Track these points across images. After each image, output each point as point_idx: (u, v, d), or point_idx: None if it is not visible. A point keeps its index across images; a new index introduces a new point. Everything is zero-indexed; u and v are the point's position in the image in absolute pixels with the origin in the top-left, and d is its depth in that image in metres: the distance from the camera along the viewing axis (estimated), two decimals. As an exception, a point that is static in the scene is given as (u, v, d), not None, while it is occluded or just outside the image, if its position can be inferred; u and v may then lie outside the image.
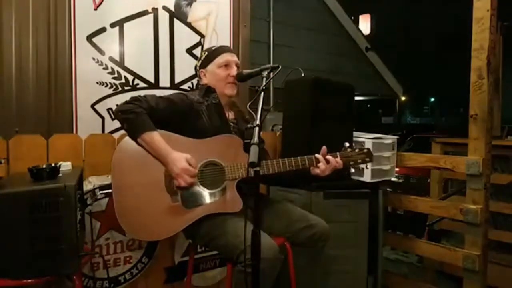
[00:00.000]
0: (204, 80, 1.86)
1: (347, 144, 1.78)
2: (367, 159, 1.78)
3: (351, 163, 1.76)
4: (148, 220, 1.61)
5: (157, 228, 1.63)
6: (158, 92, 2.37)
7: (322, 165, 1.69)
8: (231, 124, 1.86)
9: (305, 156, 1.71)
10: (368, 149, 1.80)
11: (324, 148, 1.72)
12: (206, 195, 1.65)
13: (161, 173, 1.62)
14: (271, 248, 1.49)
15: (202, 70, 1.87)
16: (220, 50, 1.89)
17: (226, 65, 1.84)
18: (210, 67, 1.85)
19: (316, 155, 1.71)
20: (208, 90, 1.83)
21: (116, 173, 1.62)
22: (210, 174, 1.66)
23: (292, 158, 1.70)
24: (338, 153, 1.75)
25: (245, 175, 1.62)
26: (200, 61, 1.90)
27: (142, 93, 2.31)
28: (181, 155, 1.59)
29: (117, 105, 2.22)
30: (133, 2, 2.31)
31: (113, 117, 2.26)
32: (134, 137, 1.60)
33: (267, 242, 1.49)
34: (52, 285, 1.74)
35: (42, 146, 1.86)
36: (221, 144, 1.70)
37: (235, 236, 1.53)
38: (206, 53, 1.90)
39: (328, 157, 1.71)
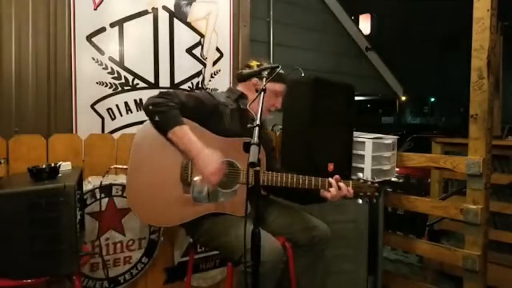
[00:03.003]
0: (250, 90, 1.84)
1: (360, 175, 1.81)
2: (376, 194, 1.80)
3: (361, 194, 1.78)
4: (156, 205, 1.63)
5: (163, 215, 1.65)
6: (157, 92, 2.39)
7: (333, 190, 1.71)
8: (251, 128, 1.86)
9: (319, 178, 1.72)
10: (380, 183, 1.82)
11: (337, 176, 1.73)
12: (217, 193, 1.66)
13: (178, 162, 1.64)
14: (274, 250, 1.49)
15: (257, 81, 1.81)
16: (282, 78, 1.84)
17: (277, 96, 1.85)
18: (267, 86, 1.76)
19: (330, 179, 1.72)
20: (241, 96, 1.84)
21: (135, 153, 1.64)
22: (227, 174, 1.66)
23: (307, 177, 1.72)
24: (350, 182, 1.76)
25: (252, 180, 1.61)
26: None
27: (142, 93, 2.34)
28: (214, 153, 1.58)
29: (117, 105, 2.26)
30: (133, 2, 2.31)
31: (113, 117, 2.26)
32: (165, 130, 1.58)
33: (270, 244, 1.49)
34: (52, 285, 1.74)
35: (41, 146, 1.86)
36: (240, 145, 1.70)
37: (236, 236, 1.53)
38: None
39: (341, 184, 1.72)
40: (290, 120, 2.37)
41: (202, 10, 2.56)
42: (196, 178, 1.64)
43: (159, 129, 1.60)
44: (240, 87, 1.89)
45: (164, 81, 2.43)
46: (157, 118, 1.58)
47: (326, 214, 2.26)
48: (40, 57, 2.06)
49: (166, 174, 1.63)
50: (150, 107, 1.59)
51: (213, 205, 1.66)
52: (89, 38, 2.18)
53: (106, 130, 2.24)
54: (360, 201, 1.79)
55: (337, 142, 2.28)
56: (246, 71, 1.80)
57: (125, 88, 2.30)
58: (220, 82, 2.64)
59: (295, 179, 1.70)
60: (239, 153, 1.69)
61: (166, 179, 1.63)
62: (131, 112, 2.31)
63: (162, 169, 1.63)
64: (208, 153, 1.57)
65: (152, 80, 2.39)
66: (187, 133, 1.58)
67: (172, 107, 1.59)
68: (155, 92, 2.34)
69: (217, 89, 2.55)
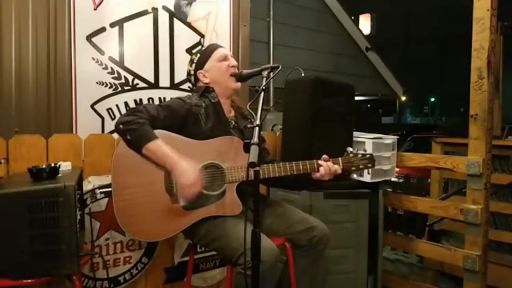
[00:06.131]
0: (205, 80, 1.84)
1: (349, 149, 1.79)
2: (369, 165, 1.79)
3: (353, 168, 1.77)
4: (147, 221, 1.61)
5: (156, 229, 1.63)
6: (157, 92, 2.40)
7: (323, 170, 1.70)
8: (232, 121, 1.86)
9: (307, 161, 1.71)
10: (371, 154, 1.80)
11: (325, 156, 1.73)
12: (205, 197, 1.64)
13: (161, 174, 1.62)
14: (271, 251, 1.49)
15: (200, 71, 1.85)
16: (213, 46, 1.90)
17: (225, 58, 1.84)
18: (209, 64, 1.84)
19: (319, 161, 1.72)
20: (206, 90, 1.82)
21: (116, 173, 1.61)
22: (210, 176, 1.66)
23: (294, 163, 1.71)
24: (340, 159, 1.76)
25: (245, 177, 1.62)
26: (194, 65, 1.87)
27: (142, 93, 2.34)
28: (190, 166, 1.57)
29: (116, 105, 2.27)
30: (133, 2, 2.31)
31: (113, 117, 2.26)
32: (138, 147, 1.57)
33: (267, 245, 1.49)
34: (52, 285, 1.74)
35: (41, 146, 1.86)
36: (222, 145, 1.69)
37: (234, 238, 1.53)
38: (199, 54, 1.88)
39: (330, 163, 1.72)
40: (290, 120, 2.37)
41: (202, 10, 2.57)
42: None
43: (132, 147, 1.59)
44: (200, 82, 1.88)
45: (164, 81, 2.43)
46: (128, 137, 1.57)
47: (326, 214, 2.26)
48: (40, 57, 2.06)
49: (150, 188, 1.61)
50: (121, 126, 1.58)
51: (205, 210, 1.65)
52: (89, 38, 2.18)
53: (106, 130, 2.24)
54: (355, 175, 1.77)
55: (337, 142, 2.28)
56: (246, 71, 1.80)
57: (125, 88, 2.30)
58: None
59: (282, 168, 1.69)
60: (220, 153, 1.68)
61: (152, 193, 1.61)
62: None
63: (146, 184, 1.61)
64: (183, 165, 1.56)
65: (152, 80, 2.39)
66: (160, 147, 1.57)
67: (142, 123, 1.57)
68: (155, 92, 2.39)
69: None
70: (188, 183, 1.56)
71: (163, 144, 1.58)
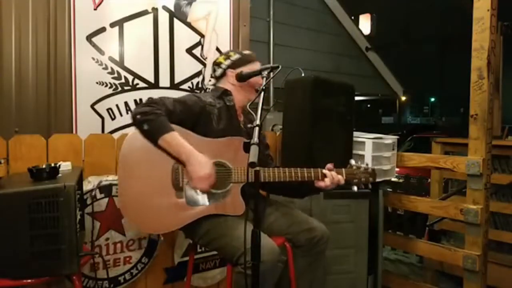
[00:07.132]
0: (231, 81, 1.85)
1: (353, 162, 1.81)
2: (371, 179, 1.81)
3: (355, 180, 1.78)
4: (151, 213, 1.62)
5: (159, 222, 1.64)
6: (157, 92, 2.39)
7: (327, 180, 1.72)
8: (242, 127, 1.87)
9: (311, 169, 1.73)
10: (373, 169, 1.83)
11: (329, 165, 1.74)
12: (211, 195, 1.65)
13: (168, 168, 1.63)
14: (271, 251, 1.49)
15: (232, 70, 1.85)
16: (254, 57, 1.91)
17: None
18: (243, 69, 1.83)
19: (323, 170, 1.73)
20: (224, 93, 1.83)
21: (123, 164, 1.63)
22: (217, 174, 1.66)
23: (298, 169, 1.72)
24: (343, 170, 1.77)
25: (252, 179, 1.62)
26: (229, 61, 1.86)
27: (142, 93, 2.34)
28: (207, 160, 1.58)
29: (117, 105, 2.27)
30: (133, 2, 2.31)
31: (113, 117, 2.26)
32: (155, 138, 1.58)
33: (268, 244, 1.49)
34: (52, 285, 1.75)
35: (41, 146, 1.86)
36: (230, 145, 1.70)
37: (235, 237, 1.53)
38: (239, 55, 1.88)
39: (333, 173, 1.73)
40: (290, 120, 2.37)
41: (202, 10, 2.57)
42: (187, 182, 1.63)
43: (149, 138, 1.59)
44: (221, 83, 1.89)
45: (164, 81, 2.43)
46: (145, 127, 1.57)
47: (326, 214, 2.27)
48: (40, 57, 2.06)
49: (157, 180, 1.62)
50: (138, 116, 1.58)
51: (208, 207, 1.66)
52: (89, 38, 2.18)
53: (106, 130, 2.24)
54: (356, 188, 1.79)
55: (337, 142, 2.28)
56: (247, 71, 1.80)
57: (125, 88, 2.30)
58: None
59: (287, 173, 1.70)
60: (229, 153, 1.69)
61: (158, 186, 1.62)
62: (131, 112, 2.31)
63: (153, 176, 1.62)
64: (198, 158, 1.57)
65: (152, 80, 2.39)
66: (176, 139, 1.58)
67: (159, 114, 1.58)
68: (155, 92, 2.39)
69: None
70: (204, 175, 1.56)
71: (179, 136, 1.59)
